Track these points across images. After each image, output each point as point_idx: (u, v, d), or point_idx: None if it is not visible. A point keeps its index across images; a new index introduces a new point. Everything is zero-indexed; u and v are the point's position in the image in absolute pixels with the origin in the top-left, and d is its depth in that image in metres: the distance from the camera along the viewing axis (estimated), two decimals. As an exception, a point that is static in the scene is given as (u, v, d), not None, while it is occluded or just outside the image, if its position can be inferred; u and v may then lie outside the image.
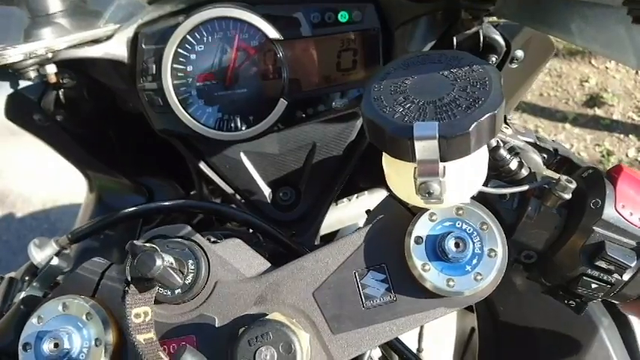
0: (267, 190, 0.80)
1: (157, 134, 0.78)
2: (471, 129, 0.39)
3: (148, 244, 0.50)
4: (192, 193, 0.99)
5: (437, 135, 0.39)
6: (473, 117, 0.39)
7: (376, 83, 0.45)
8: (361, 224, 0.97)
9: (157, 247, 0.49)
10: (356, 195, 0.94)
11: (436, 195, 0.42)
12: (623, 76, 3.11)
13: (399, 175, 0.46)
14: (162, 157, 0.93)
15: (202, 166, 0.80)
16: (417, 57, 0.47)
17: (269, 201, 0.80)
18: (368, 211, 0.80)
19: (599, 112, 2.96)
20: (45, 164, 2.20)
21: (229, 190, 0.80)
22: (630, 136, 2.87)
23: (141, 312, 0.50)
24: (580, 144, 2.88)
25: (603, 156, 2.82)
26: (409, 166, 0.42)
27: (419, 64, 0.46)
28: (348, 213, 0.93)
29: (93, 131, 0.86)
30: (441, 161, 0.40)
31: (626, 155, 2.83)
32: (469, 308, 0.96)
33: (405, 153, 0.41)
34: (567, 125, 2.94)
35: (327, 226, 0.91)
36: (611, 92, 3.00)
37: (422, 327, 1.12)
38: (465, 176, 0.44)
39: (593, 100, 2.99)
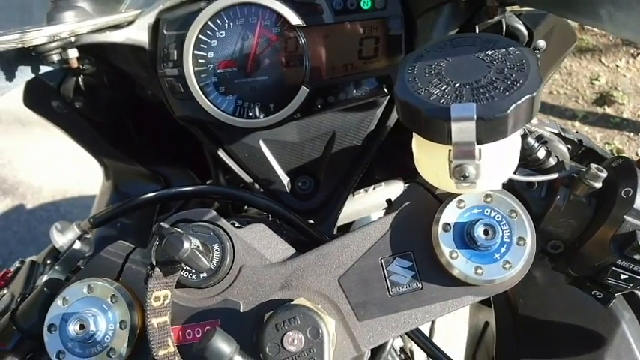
0: (285, 179, 0.79)
1: (174, 123, 0.78)
2: (509, 111, 0.38)
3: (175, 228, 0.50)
4: (208, 182, 0.99)
5: (475, 116, 0.38)
6: (511, 99, 0.39)
7: (409, 65, 0.44)
8: (377, 216, 0.97)
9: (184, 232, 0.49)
10: (373, 186, 0.94)
11: (471, 179, 0.42)
12: (633, 74, 3.09)
13: (430, 159, 0.46)
14: (179, 146, 0.93)
15: (221, 154, 0.79)
16: (451, 40, 0.46)
17: (287, 190, 0.79)
18: (389, 201, 0.80)
19: (609, 110, 2.94)
20: (55, 156, 2.21)
21: (248, 179, 0.79)
22: (640, 134, 2.85)
23: (161, 295, 0.50)
24: (590, 142, 2.87)
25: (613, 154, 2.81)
26: (443, 149, 0.42)
27: (453, 46, 0.45)
28: (365, 204, 0.92)
29: (111, 119, 0.86)
30: (477, 144, 0.40)
31: (636, 154, 2.82)
32: (485, 302, 0.95)
33: (441, 135, 0.40)
34: (577, 123, 2.93)
35: (344, 217, 0.91)
36: (621, 90, 2.98)
37: (434, 320, 1.11)
38: (499, 161, 0.44)
39: (603, 99, 2.97)
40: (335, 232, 0.84)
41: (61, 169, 2.24)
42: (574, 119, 2.94)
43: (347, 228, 0.97)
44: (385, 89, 0.74)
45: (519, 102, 0.39)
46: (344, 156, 0.78)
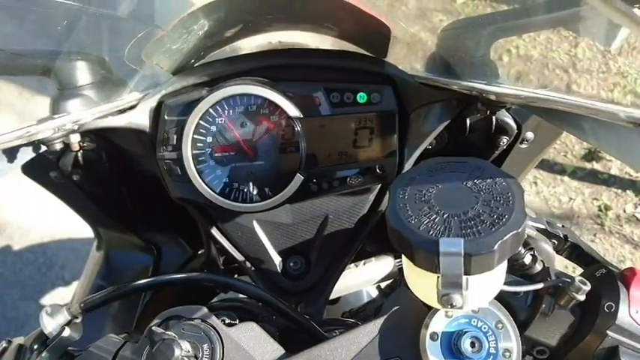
0: (277, 259, 0.80)
1: (169, 196, 0.79)
2: (495, 247, 0.40)
3: (166, 332, 0.50)
4: (200, 252, 1.00)
5: (462, 252, 0.40)
6: (497, 236, 0.40)
7: (401, 189, 0.46)
8: (367, 291, 0.98)
9: (175, 336, 0.50)
10: (363, 261, 0.95)
11: (457, 306, 0.43)
12: (620, 131, 3.16)
13: (420, 278, 0.47)
14: (172, 215, 0.94)
15: (214, 232, 0.80)
16: (441, 163, 0.48)
17: (279, 270, 0.80)
18: (379, 287, 0.81)
19: (597, 166, 3.00)
20: (46, 198, 2.19)
21: (240, 258, 0.80)
22: (627, 191, 2.90)
23: None
24: (578, 197, 2.91)
25: (601, 210, 2.85)
26: (432, 275, 0.43)
27: (443, 171, 0.47)
28: (355, 279, 0.93)
29: (107, 191, 0.87)
30: (464, 274, 0.41)
31: (624, 211, 2.86)
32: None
33: (430, 265, 0.42)
34: (566, 178, 2.98)
35: (334, 291, 0.91)
36: (608, 148, 3.05)
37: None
38: (486, 287, 0.45)
39: (592, 154, 3.03)
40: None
41: (51, 211, 2.22)
42: (563, 174, 3.00)
43: (336, 302, 0.98)
44: (378, 171, 0.76)
45: (505, 239, 0.40)
46: (336, 238, 0.79)
